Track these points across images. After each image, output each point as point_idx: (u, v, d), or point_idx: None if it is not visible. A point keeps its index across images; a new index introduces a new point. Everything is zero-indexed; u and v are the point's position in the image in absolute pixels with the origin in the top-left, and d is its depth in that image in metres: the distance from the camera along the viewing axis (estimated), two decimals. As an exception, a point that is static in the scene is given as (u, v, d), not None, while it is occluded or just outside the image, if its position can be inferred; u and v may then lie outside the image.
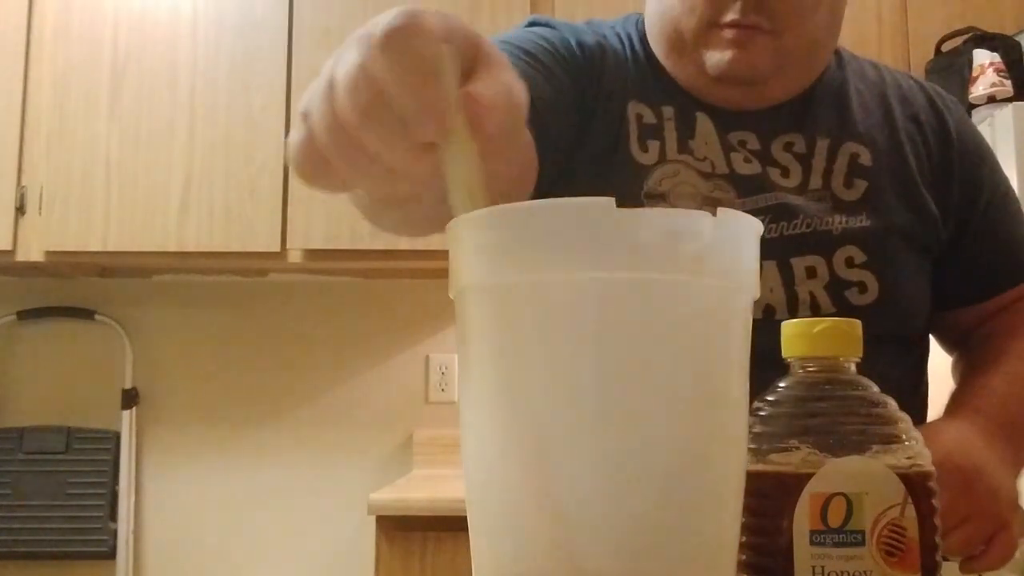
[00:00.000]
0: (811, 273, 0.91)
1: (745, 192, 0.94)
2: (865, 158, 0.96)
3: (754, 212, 0.92)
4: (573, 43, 0.97)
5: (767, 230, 0.91)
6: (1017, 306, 1.01)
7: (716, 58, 0.92)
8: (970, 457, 0.78)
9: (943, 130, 1.01)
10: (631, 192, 0.93)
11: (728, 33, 0.91)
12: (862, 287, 0.92)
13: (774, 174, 0.95)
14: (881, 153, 0.97)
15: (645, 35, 1.01)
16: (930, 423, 0.87)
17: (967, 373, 0.99)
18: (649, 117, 0.97)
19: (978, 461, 0.78)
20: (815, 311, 0.90)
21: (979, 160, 1.02)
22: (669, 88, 0.98)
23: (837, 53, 1.04)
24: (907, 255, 0.95)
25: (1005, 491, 0.79)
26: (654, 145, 0.95)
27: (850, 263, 0.92)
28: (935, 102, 1.03)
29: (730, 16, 0.90)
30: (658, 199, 0.93)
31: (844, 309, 0.90)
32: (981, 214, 1.00)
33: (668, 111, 0.97)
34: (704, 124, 0.96)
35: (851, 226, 0.93)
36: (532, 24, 1.00)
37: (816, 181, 0.95)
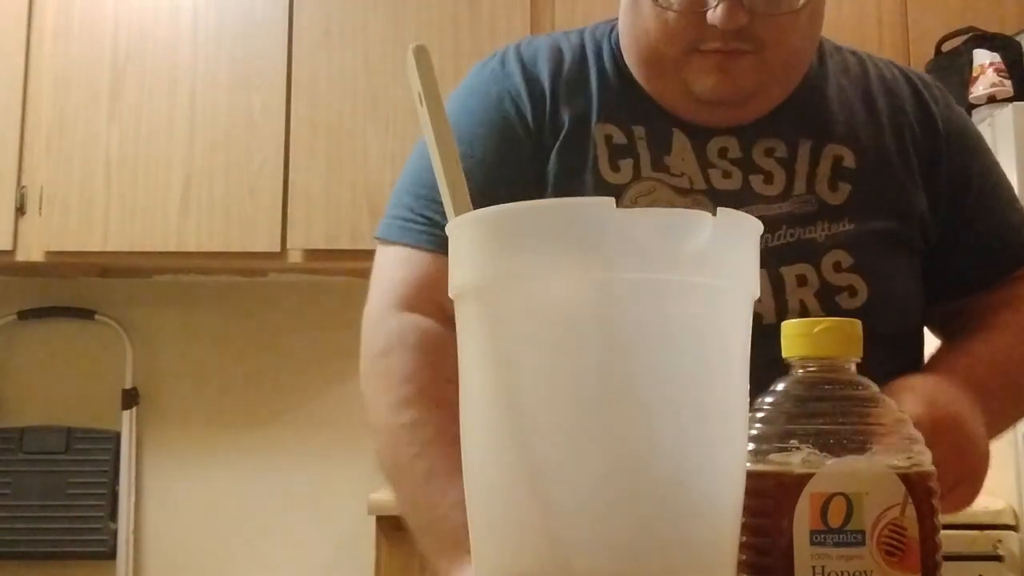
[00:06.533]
0: (802, 281, 0.91)
1: (724, 207, 0.93)
2: (849, 160, 0.95)
3: None
4: (518, 94, 0.97)
5: None
6: (1005, 283, 0.99)
7: (700, 83, 0.91)
8: (948, 408, 0.78)
9: (929, 121, 0.99)
10: None
11: (711, 58, 0.90)
12: (851, 291, 0.92)
13: (756, 182, 0.94)
14: (866, 154, 0.96)
15: (619, 49, 0.99)
16: (903, 378, 0.84)
17: (949, 339, 1.00)
18: (619, 137, 0.95)
19: (955, 411, 0.78)
20: (804, 317, 0.90)
21: (968, 149, 1.00)
22: (642, 107, 0.97)
23: (819, 47, 1.02)
24: (894, 256, 0.95)
25: (980, 442, 0.80)
26: (626, 164, 0.94)
27: (838, 268, 0.92)
28: (921, 93, 1.01)
29: (711, 44, 0.89)
30: None
31: (834, 314, 0.90)
32: (973, 203, 0.99)
33: (639, 130, 0.96)
34: (680, 140, 0.95)
35: (835, 231, 0.93)
36: (486, 64, 1.02)
37: (800, 186, 0.94)
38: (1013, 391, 0.94)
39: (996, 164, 1.04)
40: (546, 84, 0.97)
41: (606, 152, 0.94)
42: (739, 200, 0.93)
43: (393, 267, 0.95)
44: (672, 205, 0.92)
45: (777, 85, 0.95)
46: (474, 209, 1.00)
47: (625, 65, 0.98)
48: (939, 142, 0.99)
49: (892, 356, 0.94)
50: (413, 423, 0.86)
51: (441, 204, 0.96)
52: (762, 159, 0.95)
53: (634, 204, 0.93)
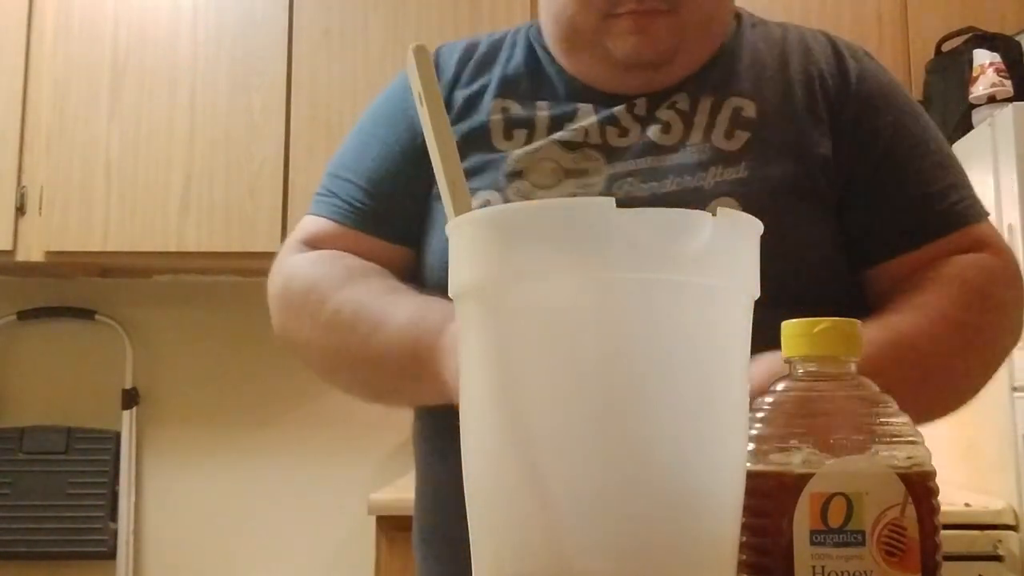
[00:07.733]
0: None
1: (616, 159, 0.93)
2: (750, 111, 0.95)
3: (622, 175, 0.92)
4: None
5: (636, 191, 0.90)
6: (937, 263, 0.92)
7: (620, 46, 0.93)
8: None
9: (842, 77, 0.97)
10: (494, 182, 0.93)
11: (627, 21, 0.92)
12: None
13: (654, 132, 0.94)
14: (768, 105, 0.95)
15: (538, 40, 1.02)
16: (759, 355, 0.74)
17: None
18: (517, 110, 0.97)
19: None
20: None
21: (879, 107, 0.96)
22: (551, 87, 0.99)
23: (738, 19, 1.03)
24: (793, 203, 0.91)
25: None
26: (520, 133, 0.96)
27: None
28: (841, 52, 0.99)
29: (627, 6, 0.91)
30: (517, 176, 0.93)
31: None
32: (880, 162, 0.94)
33: (542, 104, 0.98)
34: (585, 110, 0.96)
35: (726, 178, 0.91)
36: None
37: (696, 136, 0.93)
38: (909, 377, 0.80)
39: (925, 129, 0.98)
40: (449, 74, 1.01)
41: (501, 124, 0.97)
42: (631, 154, 0.93)
43: (299, 230, 1.04)
44: (557, 161, 0.93)
45: (695, 46, 0.96)
46: (364, 203, 0.98)
47: (540, 50, 1.02)
48: (848, 94, 0.96)
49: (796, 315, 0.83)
50: (337, 310, 0.91)
51: (343, 180, 1.00)
52: (663, 111, 0.96)
53: (518, 163, 0.94)
